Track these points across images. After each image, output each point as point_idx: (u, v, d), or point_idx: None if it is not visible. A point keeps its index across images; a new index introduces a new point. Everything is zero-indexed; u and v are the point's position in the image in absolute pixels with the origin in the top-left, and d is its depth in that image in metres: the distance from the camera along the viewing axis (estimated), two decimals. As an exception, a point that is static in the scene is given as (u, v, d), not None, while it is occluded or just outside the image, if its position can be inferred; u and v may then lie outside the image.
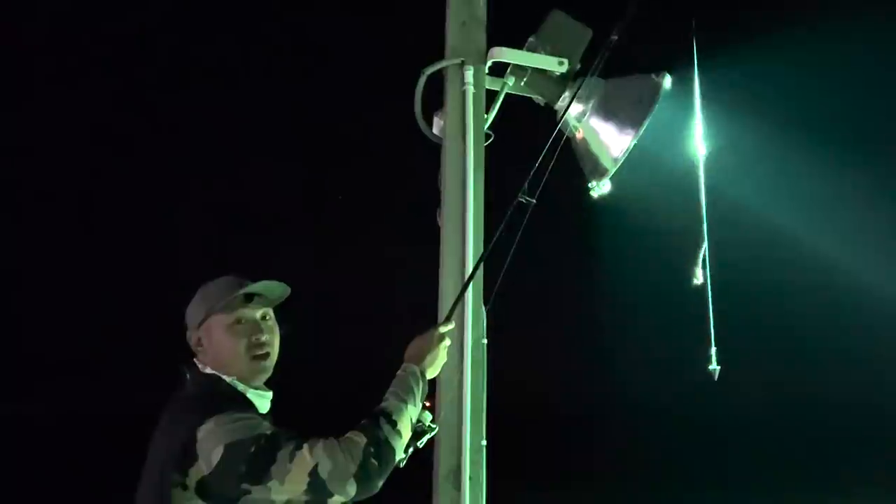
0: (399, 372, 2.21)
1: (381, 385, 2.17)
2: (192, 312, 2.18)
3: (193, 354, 2.17)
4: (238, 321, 2.13)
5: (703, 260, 2.46)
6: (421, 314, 2.57)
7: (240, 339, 2.12)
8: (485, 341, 2.54)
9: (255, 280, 2.17)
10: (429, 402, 2.30)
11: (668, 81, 2.60)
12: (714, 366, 2.45)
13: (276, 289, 2.19)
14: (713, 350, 2.45)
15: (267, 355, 2.16)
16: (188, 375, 2.13)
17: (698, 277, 2.45)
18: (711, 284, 2.45)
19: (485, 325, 2.55)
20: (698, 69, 2.56)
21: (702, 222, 2.49)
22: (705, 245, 2.47)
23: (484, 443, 2.49)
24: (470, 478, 2.44)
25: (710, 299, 2.44)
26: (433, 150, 2.69)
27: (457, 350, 2.46)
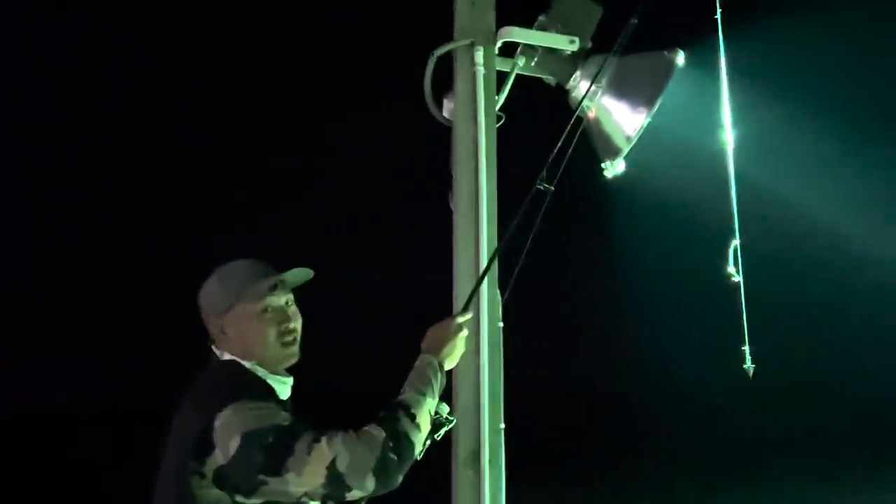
0: (417, 363, 2.18)
1: (398, 375, 2.15)
2: (214, 300, 2.12)
3: (211, 339, 2.14)
4: (265, 310, 2.10)
5: (735, 256, 2.43)
6: (435, 299, 2.55)
7: (269, 328, 2.10)
8: (500, 324, 2.54)
9: (265, 261, 2.16)
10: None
11: (681, 58, 2.57)
12: (749, 364, 2.43)
13: (298, 274, 2.18)
14: (747, 349, 2.42)
15: (295, 341, 2.15)
16: (210, 360, 2.12)
17: (735, 275, 2.42)
18: (741, 280, 2.41)
19: (500, 309, 2.54)
20: (724, 45, 2.50)
21: (733, 216, 2.45)
22: (737, 240, 2.43)
23: (502, 426, 2.50)
24: (489, 461, 2.44)
25: (742, 297, 2.41)
26: (442, 132, 2.67)
27: (473, 334, 2.45)
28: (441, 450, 2.36)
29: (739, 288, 2.43)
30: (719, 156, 2.54)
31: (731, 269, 2.43)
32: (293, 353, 2.15)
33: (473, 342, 2.46)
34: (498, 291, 2.54)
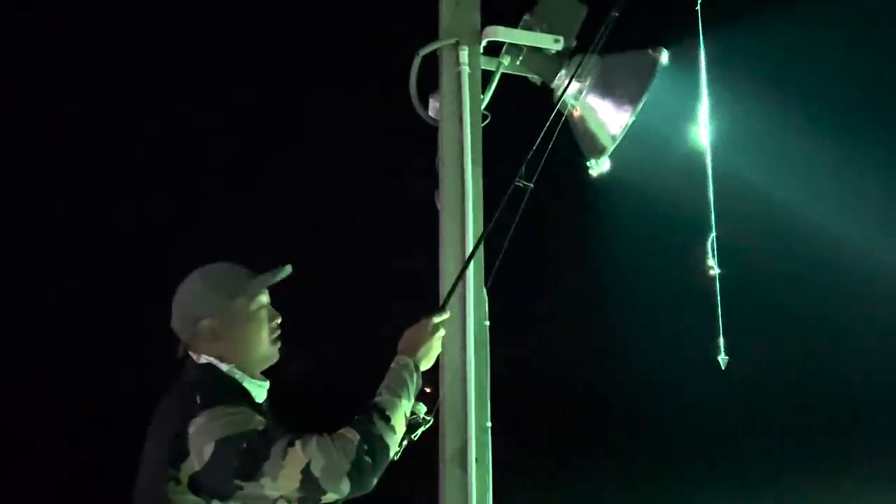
0: (392, 365, 2.18)
1: (374, 376, 2.15)
2: (199, 300, 2.09)
3: (184, 343, 2.11)
4: (259, 308, 2.12)
5: (712, 249, 2.45)
6: (417, 300, 2.55)
7: (263, 325, 2.12)
8: (487, 323, 2.55)
9: (246, 265, 2.16)
10: (429, 387, 2.28)
11: (665, 57, 2.58)
12: (722, 356, 2.45)
13: (279, 273, 2.16)
14: (721, 340, 2.45)
15: (280, 338, 2.17)
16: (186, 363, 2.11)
17: (714, 268, 2.45)
18: (721, 273, 2.43)
19: (486, 307, 2.55)
20: (704, 44, 2.53)
21: (710, 211, 2.47)
22: (713, 234, 2.46)
23: (489, 424, 2.50)
24: (476, 459, 2.45)
25: (718, 290, 2.43)
26: (429, 132, 2.68)
27: (459, 332, 2.46)
28: (428, 448, 2.37)
29: (715, 280, 2.45)
30: (703, 152, 2.56)
31: (710, 262, 2.46)
32: (279, 352, 2.17)
33: (460, 340, 2.47)
34: (484, 290, 2.55)
